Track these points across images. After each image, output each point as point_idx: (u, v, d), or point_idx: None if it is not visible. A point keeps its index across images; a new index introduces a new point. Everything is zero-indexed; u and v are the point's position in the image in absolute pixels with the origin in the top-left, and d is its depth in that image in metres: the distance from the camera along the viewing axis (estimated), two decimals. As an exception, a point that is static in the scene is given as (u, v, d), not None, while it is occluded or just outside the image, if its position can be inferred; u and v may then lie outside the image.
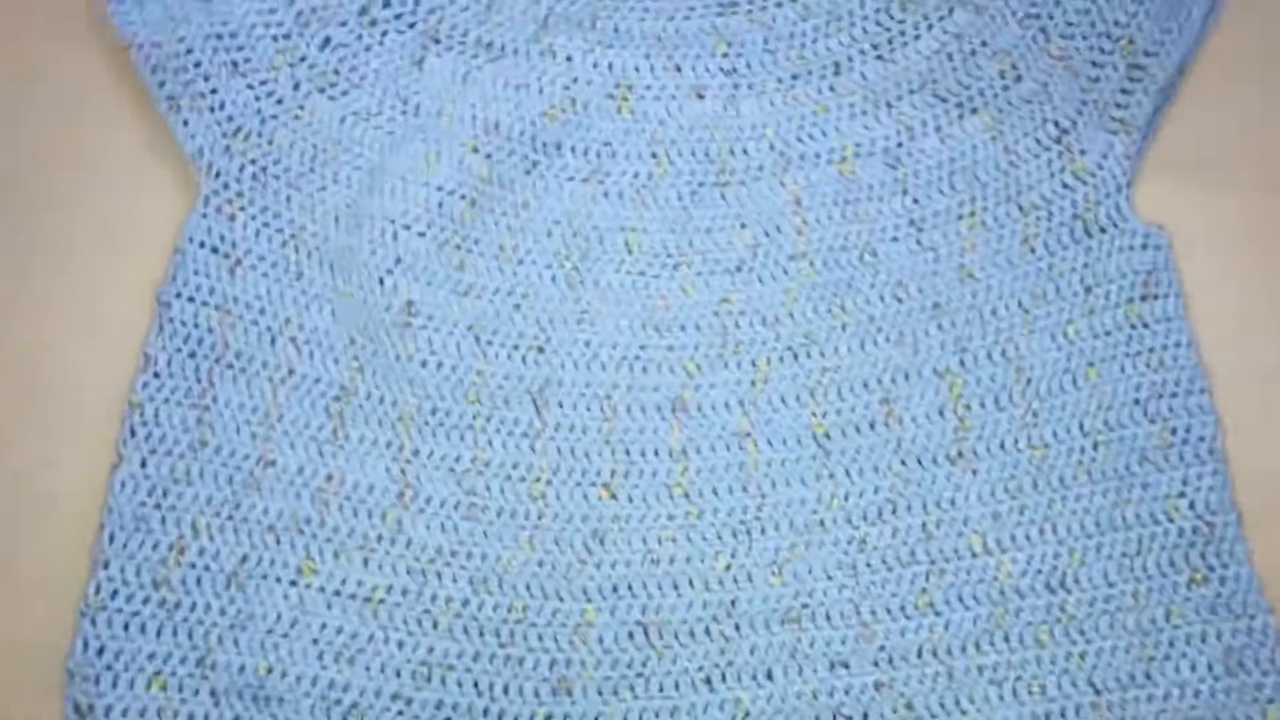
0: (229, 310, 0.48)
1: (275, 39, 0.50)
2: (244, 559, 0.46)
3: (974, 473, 0.47)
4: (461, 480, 0.47)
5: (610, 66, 0.50)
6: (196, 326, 0.47)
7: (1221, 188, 0.51)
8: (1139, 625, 0.46)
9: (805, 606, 0.46)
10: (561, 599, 0.46)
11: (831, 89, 0.50)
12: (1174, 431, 0.47)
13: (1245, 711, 0.45)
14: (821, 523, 0.47)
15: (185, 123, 0.49)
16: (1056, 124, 0.50)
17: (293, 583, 0.46)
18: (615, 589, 0.46)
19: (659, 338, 0.48)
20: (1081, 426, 0.47)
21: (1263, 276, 0.50)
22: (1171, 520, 0.46)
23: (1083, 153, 0.49)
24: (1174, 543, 0.46)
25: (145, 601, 0.45)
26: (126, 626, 0.45)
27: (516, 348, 0.48)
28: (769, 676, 0.46)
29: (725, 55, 0.51)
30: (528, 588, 0.46)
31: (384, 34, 0.50)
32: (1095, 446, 0.47)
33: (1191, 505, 0.46)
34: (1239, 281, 0.50)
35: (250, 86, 0.49)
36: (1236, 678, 0.45)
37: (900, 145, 0.50)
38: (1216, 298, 0.49)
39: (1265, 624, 0.45)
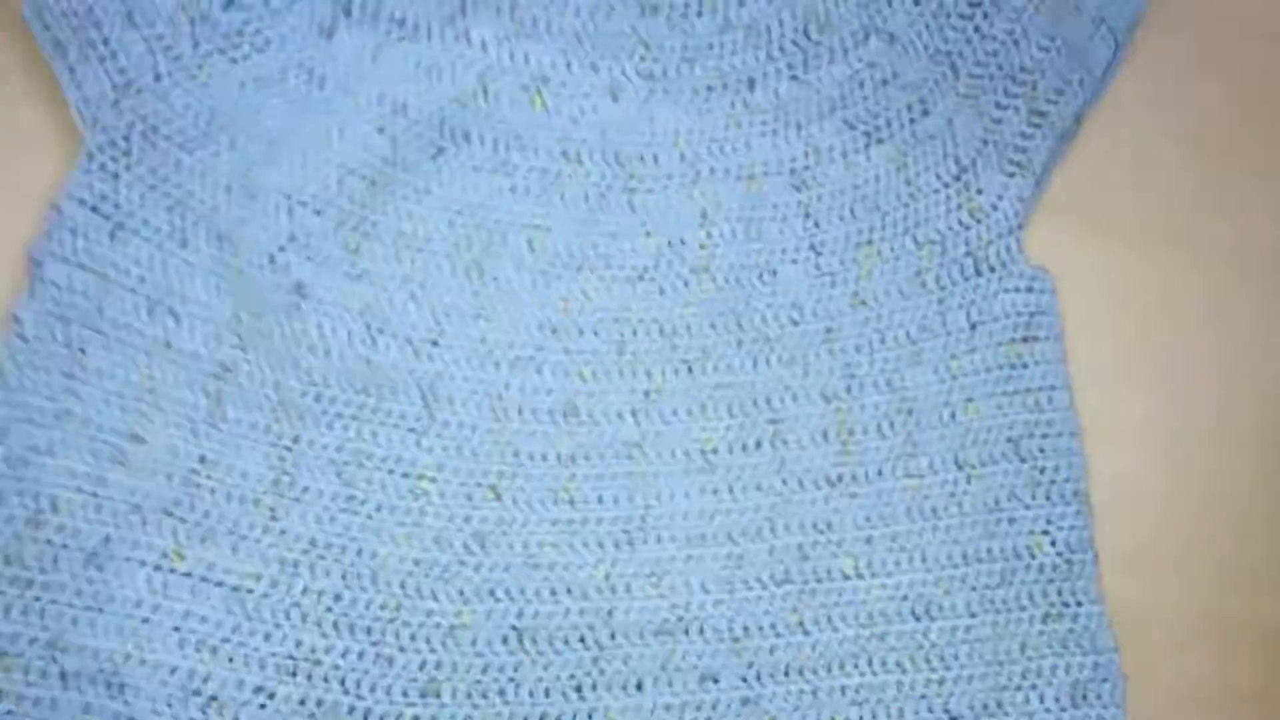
0: (106, 275, 0.45)
1: (176, -8, 0.47)
2: (106, 539, 0.44)
3: (852, 497, 0.48)
4: (341, 471, 0.46)
5: (526, 58, 0.49)
6: (70, 290, 0.45)
7: (1107, 236, 0.53)
8: (995, 655, 0.47)
9: (680, 619, 0.46)
10: (437, 599, 0.45)
11: (745, 104, 0.50)
12: (1042, 471, 0.49)
13: (1087, 742, 0.47)
14: (703, 537, 0.47)
15: (72, 71, 0.46)
16: (957, 160, 0.51)
17: (157, 567, 0.44)
18: (492, 592, 0.46)
19: (556, 340, 0.48)
20: (956, 460, 0.49)
21: (1139, 326, 0.52)
22: (1034, 556, 0.48)
23: (979, 192, 0.51)
24: (1034, 578, 0.48)
25: (-5, 579, 0.42)
26: (-26, 604, 0.42)
27: (409, 339, 0.47)
28: (639, 687, 0.46)
29: (643, 59, 0.50)
30: (402, 585, 0.45)
31: (293, 1, 0.48)
32: (968, 480, 0.49)
33: (1053, 543, 0.48)
34: (1116, 329, 0.52)
35: (146, 40, 0.47)
36: (1081, 710, 0.47)
37: (807, 168, 0.50)
38: (1094, 344, 0.51)
39: (1111, 660, 0.47)
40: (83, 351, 0.45)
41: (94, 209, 0.46)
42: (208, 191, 0.46)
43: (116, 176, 0.46)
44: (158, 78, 0.47)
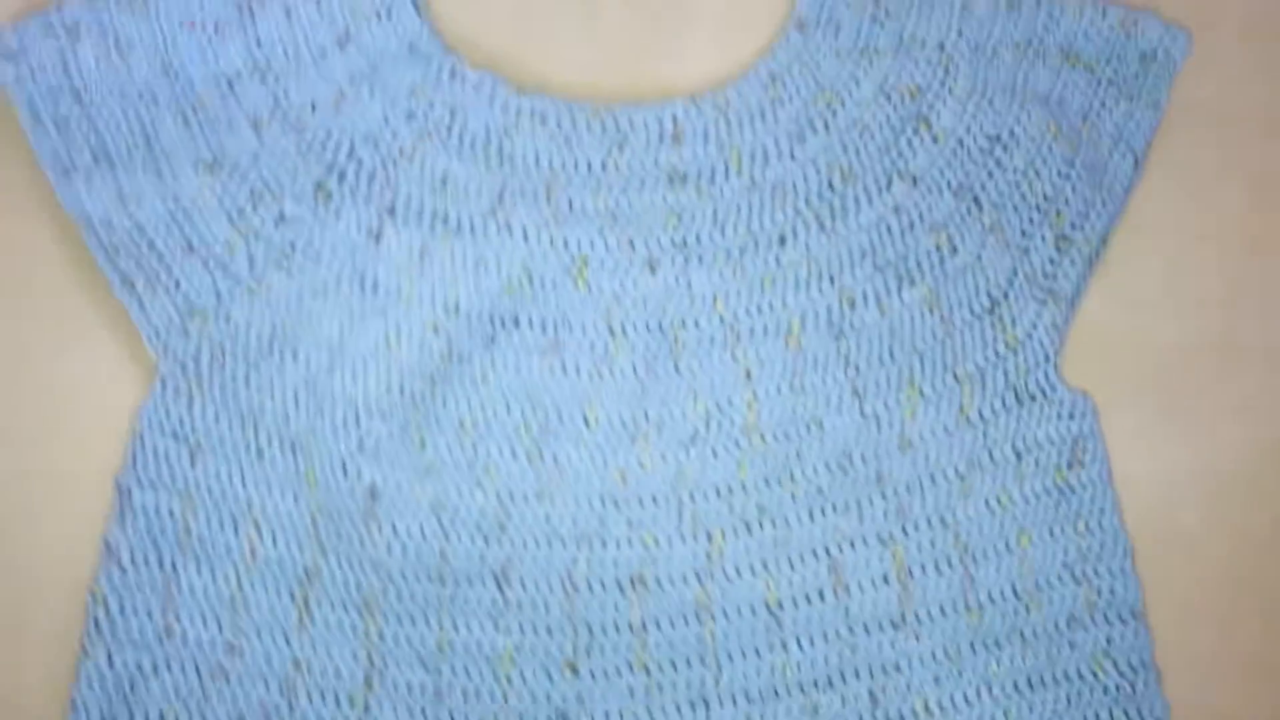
0: (190, 495, 0.48)
1: (229, 217, 0.50)
2: (212, 749, 0.46)
3: (917, 637, 0.50)
4: (427, 662, 0.48)
5: (566, 242, 0.51)
6: (158, 513, 0.48)
7: (1142, 350, 0.54)
8: (1067, 777, 0.49)
9: (761, 773, 0.48)
10: (527, 776, 0.47)
11: (777, 261, 0.52)
12: (1099, 593, 0.50)
13: None
14: (775, 692, 0.49)
15: (140, 303, 0.49)
16: (989, 294, 0.52)
17: (262, 771, 0.46)
18: (579, 763, 0.48)
19: (618, 512, 0.50)
20: (1014, 589, 0.50)
21: (1184, 441, 0.53)
22: (1096, 678, 0.50)
23: (1014, 322, 0.52)
24: (1099, 700, 0.49)
25: (115, 797, 0.45)
26: (96, 823, 0.45)
27: (479, 527, 0.49)
28: (726, 842, 0.48)
29: (676, 229, 0.52)
30: (494, 764, 0.48)
31: (339, 208, 0.51)
32: (1027, 609, 0.50)
33: (1115, 664, 0.50)
34: (1161, 442, 0.53)
35: (205, 265, 0.49)
36: (1153, 824, 0.48)
37: (843, 316, 0.52)
38: (1141, 460, 0.52)
39: (1183, 777, 0.49)
40: (175, 571, 0.47)
41: (173, 434, 0.48)
42: (277, 404, 0.49)
43: (190, 399, 0.48)
44: (220, 299, 0.49)
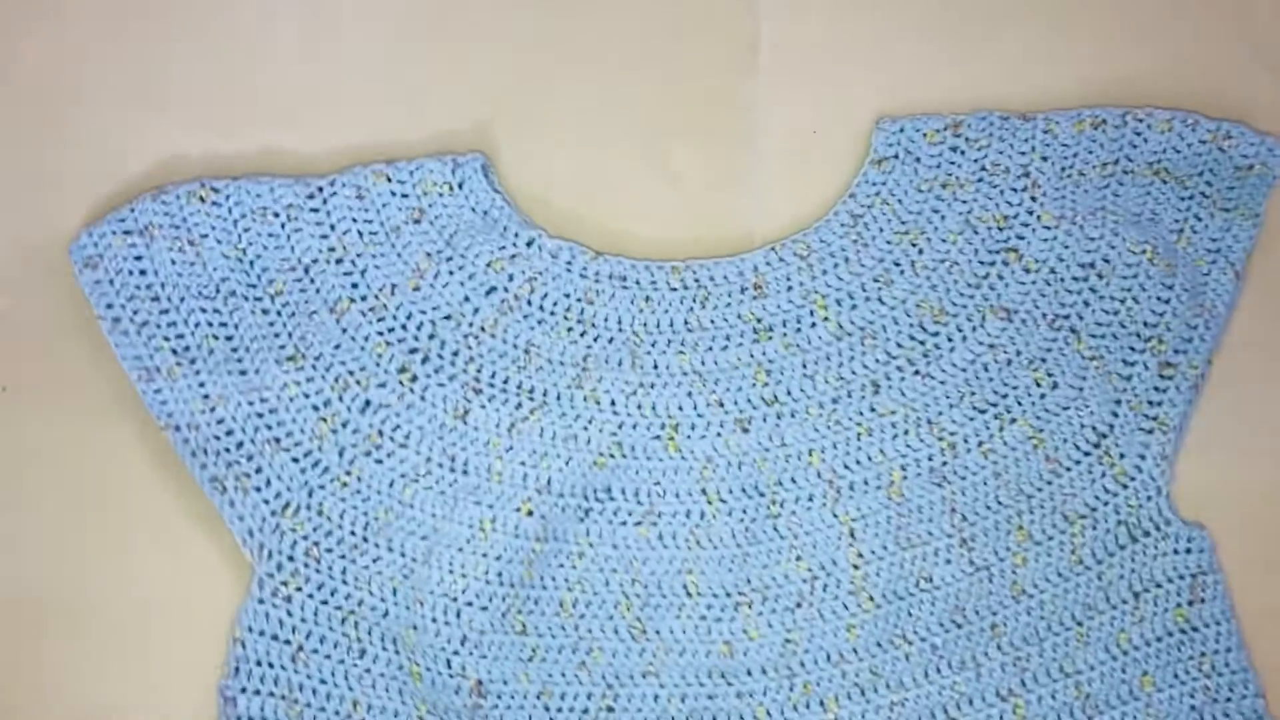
0: (295, 699, 0.47)
1: (315, 408, 0.49)
2: None
3: (1045, 794, 0.48)
4: None
5: (654, 407, 0.50)
6: (265, 718, 0.47)
7: (1254, 471, 0.52)
8: None
9: None
10: None
11: (872, 409, 0.51)
12: (1232, 737, 0.48)
13: None
14: None
15: (231, 504, 0.48)
16: (1094, 428, 0.51)
17: None
18: None
19: (726, 685, 0.49)
20: (1143, 738, 0.48)
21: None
22: (1232, 824, 0.48)
23: (1122, 456, 0.50)
24: None
25: None
26: None
27: (586, 710, 0.48)
28: None
29: (765, 384, 0.51)
30: None
31: (425, 390, 0.50)
32: (1157, 756, 0.48)
33: (1251, 809, 0.48)
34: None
35: (295, 460, 0.49)
36: None
37: (945, 463, 0.50)
38: (1261, 589, 0.50)
39: None
40: (286, 777, 0.47)
41: (273, 636, 0.48)
42: (376, 597, 0.48)
43: (289, 599, 0.48)
44: (311, 493, 0.49)
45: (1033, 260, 0.52)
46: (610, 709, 0.48)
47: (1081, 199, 0.53)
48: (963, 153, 0.53)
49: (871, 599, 0.50)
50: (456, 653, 0.48)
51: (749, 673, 0.49)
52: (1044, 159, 0.53)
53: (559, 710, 0.48)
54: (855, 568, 0.50)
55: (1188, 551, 0.50)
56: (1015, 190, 0.53)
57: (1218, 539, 0.50)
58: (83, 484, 0.50)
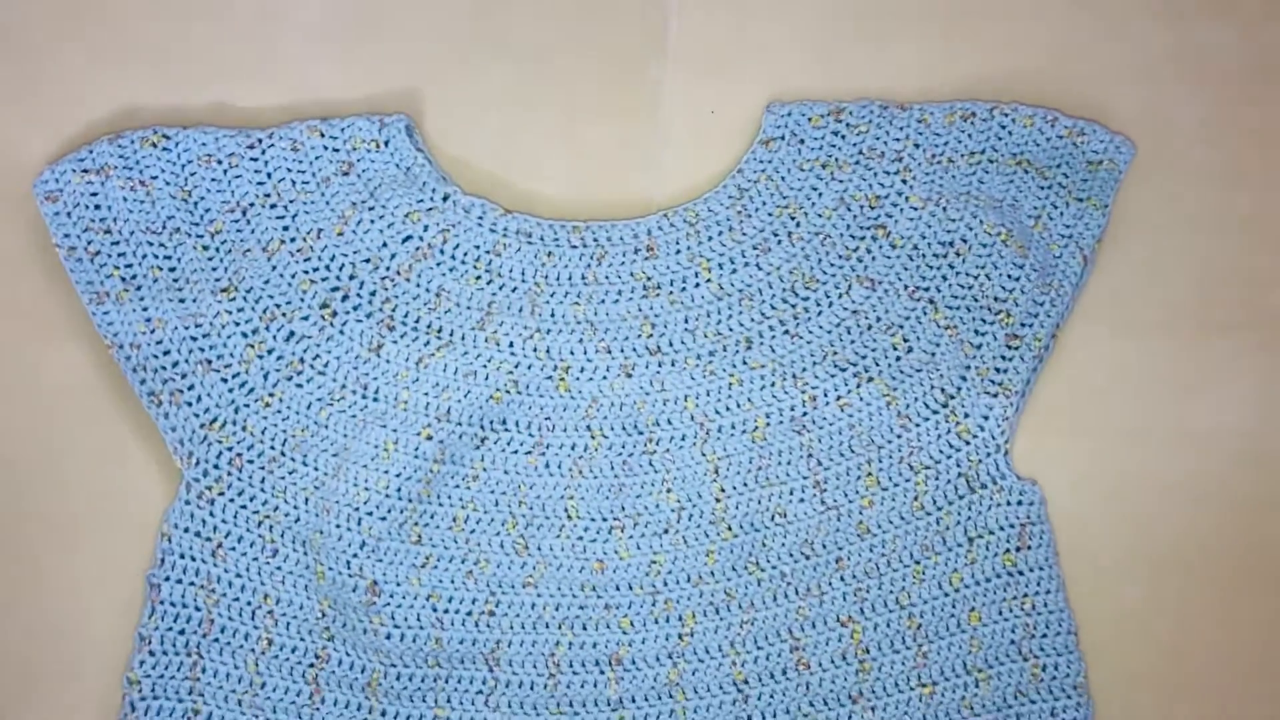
0: (213, 589, 0.53)
1: (245, 334, 0.55)
2: (236, 817, 0.52)
3: (872, 710, 0.54)
4: (426, 737, 0.53)
5: (549, 350, 0.56)
6: (184, 605, 0.53)
7: (1090, 436, 0.57)
8: (1012, 841, 0.53)
9: (729, 838, 0.53)
10: (516, 838, 0.52)
11: (745, 362, 0.56)
12: (1044, 669, 0.54)
13: None
14: (742, 762, 0.53)
15: (165, 415, 0.54)
16: (943, 390, 0.56)
17: (279, 836, 0.52)
18: (561, 827, 0.53)
19: (596, 598, 0.55)
20: (965, 665, 0.54)
21: (1128, 523, 0.57)
22: (1043, 748, 0.53)
23: (966, 415, 0.56)
24: (1045, 768, 0.53)
25: None
26: None
27: (470, 613, 0.54)
28: None
29: (650, 335, 0.57)
30: (485, 828, 0.53)
31: (344, 324, 0.56)
32: (977, 683, 0.54)
33: (1059, 735, 0.53)
34: (1109, 525, 0.57)
35: (224, 379, 0.55)
36: None
37: (805, 414, 0.56)
38: (1086, 538, 0.56)
39: (1120, 839, 0.53)
40: (200, 656, 0.53)
41: (196, 533, 0.54)
42: (289, 504, 0.54)
43: (212, 502, 0.54)
44: (237, 410, 0.55)
45: (899, 237, 0.58)
46: (492, 613, 0.54)
47: (948, 184, 0.58)
48: (843, 137, 0.59)
49: (730, 529, 0.55)
50: (355, 556, 0.54)
51: (617, 588, 0.55)
52: (916, 146, 0.59)
53: (445, 611, 0.54)
54: (718, 501, 0.56)
55: (1019, 503, 0.56)
56: (888, 173, 0.58)
57: (1048, 494, 0.56)
58: (36, 395, 0.56)
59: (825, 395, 0.57)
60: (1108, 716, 0.55)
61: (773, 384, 0.57)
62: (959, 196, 0.58)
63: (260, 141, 0.57)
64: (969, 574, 0.55)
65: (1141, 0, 0.60)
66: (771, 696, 0.54)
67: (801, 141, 0.59)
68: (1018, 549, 0.56)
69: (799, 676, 0.55)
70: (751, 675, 0.55)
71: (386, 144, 0.58)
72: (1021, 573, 0.55)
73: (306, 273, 0.56)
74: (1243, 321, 0.59)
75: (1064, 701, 0.54)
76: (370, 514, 0.54)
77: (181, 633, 0.53)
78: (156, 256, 0.56)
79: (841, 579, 0.56)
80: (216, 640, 0.53)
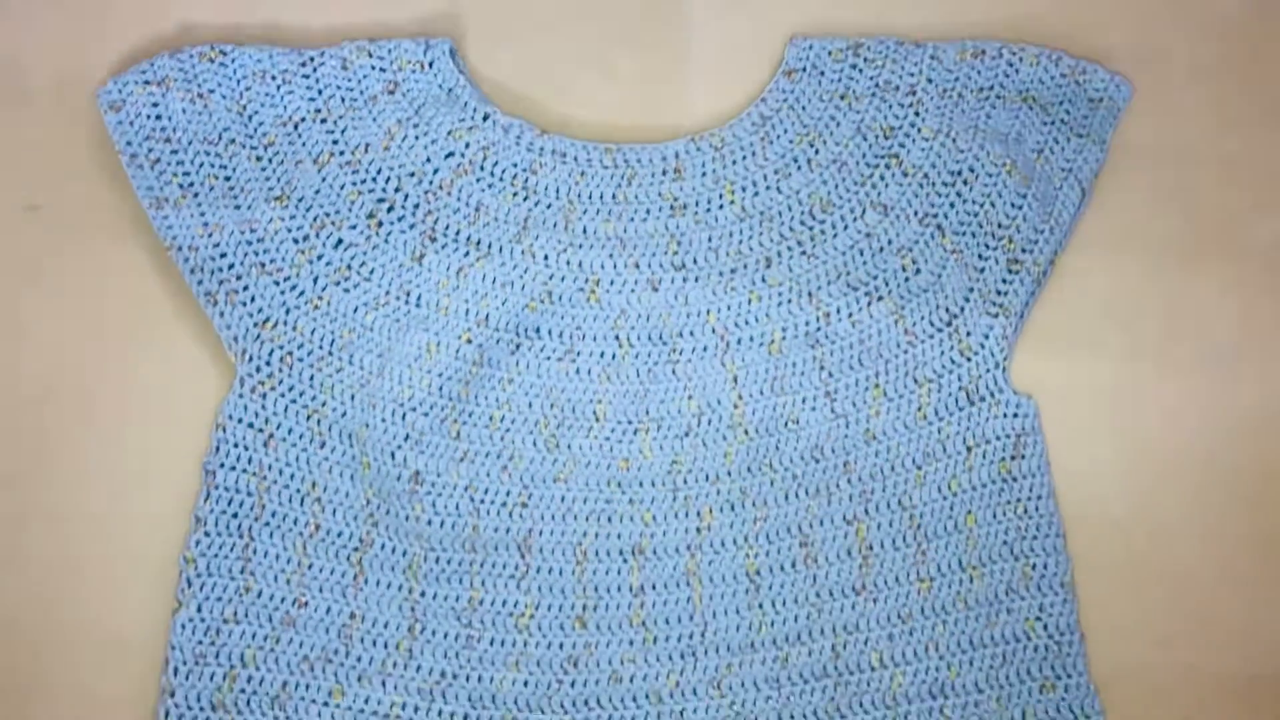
0: (264, 476, 0.57)
1: (296, 241, 0.59)
2: (284, 684, 0.56)
3: (874, 602, 0.58)
4: (460, 616, 0.57)
5: (580, 264, 0.60)
6: (237, 491, 0.57)
7: (1084, 356, 0.61)
8: (1001, 724, 0.57)
9: (738, 714, 0.57)
10: (544, 712, 0.57)
11: (764, 280, 0.60)
12: (1034, 567, 0.58)
13: (1079, 790, 0.56)
14: (752, 645, 0.58)
15: (221, 314, 0.58)
16: (948, 309, 0.60)
17: (325, 703, 0.56)
18: (586, 703, 0.57)
19: (621, 493, 0.59)
20: (960, 563, 0.59)
21: (1116, 441, 0.61)
22: (1030, 639, 0.58)
23: (968, 334, 0.60)
24: (1030, 658, 0.58)
25: (205, 722, 0.55)
26: (191, 743, 0.55)
27: (504, 504, 0.58)
28: (709, 771, 0.57)
29: (675, 253, 0.60)
30: (515, 702, 0.57)
31: (388, 234, 0.59)
32: (971, 580, 0.58)
33: (1045, 627, 0.58)
34: (1097, 438, 0.61)
35: (276, 283, 0.58)
36: (1074, 765, 0.57)
37: (819, 329, 0.60)
38: (1076, 451, 0.60)
39: (1098, 722, 0.57)
40: (252, 538, 0.57)
41: (249, 425, 0.57)
42: (336, 400, 0.58)
43: (264, 396, 0.58)
44: (288, 311, 0.58)
45: (911, 166, 0.61)
46: (525, 504, 0.59)
47: (958, 117, 0.62)
48: (861, 70, 0.62)
49: (746, 433, 0.59)
50: (399, 448, 0.58)
51: (641, 485, 0.59)
52: (929, 81, 0.62)
53: (482, 502, 0.58)
54: (735, 407, 0.60)
55: (1015, 416, 0.60)
56: (902, 106, 0.62)
57: (1041, 408, 0.60)
58: (99, 292, 0.60)
59: (838, 312, 0.61)
60: (1089, 611, 0.59)
61: (789, 301, 0.61)
62: (968, 129, 0.62)
63: (312, 60, 0.60)
64: (967, 479, 0.60)
65: (1144, -52, 0.64)
66: (781, 587, 0.59)
67: (822, 74, 0.62)
68: (1013, 457, 0.60)
69: (807, 570, 0.59)
70: (763, 567, 0.59)
71: (430, 65, 0.61)
72: (1015, 479, 0.60)
73: (354, 184, 0.60)
74: (1229, 253, 0.63)
75: (1051, 598, 0.58)
76: (413, 410, 0.58)
77: (235, 516, 0.57)
78: (213, 165, 0.59)
79: (848, 481, 0.60)
80: (267, 524, 0.57)
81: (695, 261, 0.61)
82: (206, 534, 0.57)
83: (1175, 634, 0.60)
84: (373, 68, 0.61)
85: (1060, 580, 0.59)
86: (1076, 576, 0.59)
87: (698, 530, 0.59)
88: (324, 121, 0.60)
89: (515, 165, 0.61)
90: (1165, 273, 0.63)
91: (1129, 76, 0.63)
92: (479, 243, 0.60)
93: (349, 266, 0.59)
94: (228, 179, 0.59)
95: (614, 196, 0.61)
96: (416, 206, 0.60)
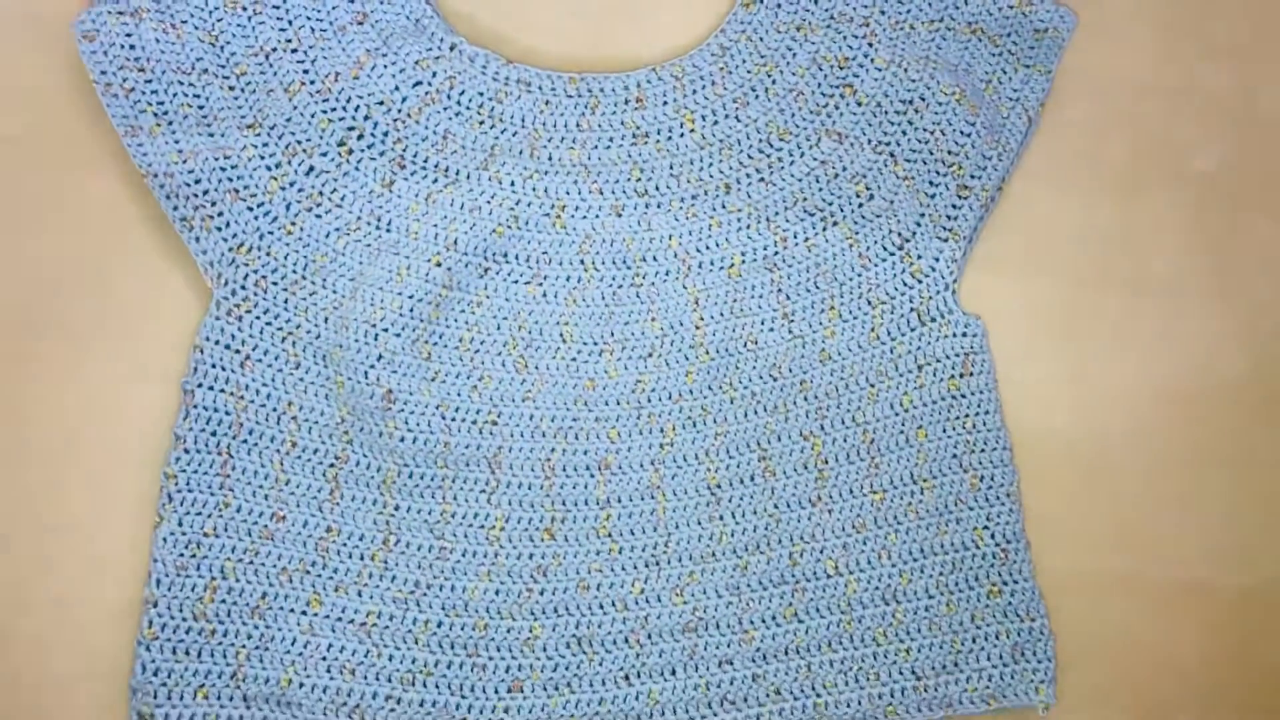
0: (241, 395, 0.59)
1: (269, 168, 0.60)
2: (264, 595, 0.58)
3: (829, 513, 0.61)
4: (433, 528, 0.59)
5: (546, 190, 0.62)
6: (215, 410, 0.59)
7: (1029, 279, 0.64)
8: (950, 627, 0.60)
9: (700, 619, 0.60)
10: (514, 619, 0.59)
11: (723, 206, 0.62)
12: (981, 479, 0.61)
13: (1025, 689, 0.59)
14: (713, 554, 0.60)
15: (196, 239, 0.60)
16: (900, 234, 0.62)
17: (303, 612, 0.58)
18: (555, 610, 0.59)
19: (588, 411, 0.61)
20: (911, 476, 0.61)
21: (1059, 356, 0.63)
22: (977, 547, 0.61)
23: (919, 257, 0.62)
24: (978, 564, 0.61)
25: (188, 631, 0.57)
26: (174, 651, 0.57)
27: (474, 422, 0.60)
28: (672, 673, 0.60)
29: (638, 179, 0.62)
30: (487, 610, 0.59)
31: (359, 161, 0.61)
32: (922, 491, 0.61)
33: (992, 536, 0.61)
34: (1041, 352, 0.63)
35: (249, 208, 0.60)
36: (1020, 664, 0.60)
37: (777, 253, 0.62)
38: (1022, 370, 0.63)
39: (1043, 625, 0.60)
40: (230, 455, 0.59)
41: (226, 346, 0.59)
42: (310, 322, 0.60)
43: (240, 319, 0.59)
44: (261, 236, 0.60)
45: (864, 95, 0.63)
46: (494, 422, 0.61)
47: (910, 48, 0.64)
48: (816, 2, 0.64)
49: (707, 353, 0.62)
50: (373, 368, 0.60)
51: (606, 403, 0.61)
52: (882, 13, 0.64)
53: (453, 420, 0.60)
54: (697, 329, 0.62)
55: (964, 335, 0.62)
56: (856, 37, 0.64)
57: (989, 328, 0.63)
58: (79, 220, 0.61)
59: (795, 237, 0.63)
60: (1033, 521, 0.62)
61: (748, 226, 0.63)
62: (919, 60, 0.64)
63: (282, -10, 0.62)
64: (918, 396, 0.62)
65: (1089, -116, 0.66)
66: (740, 500, 0.61)
67: (779, 5, 0.64)
68: (961, 375, 0.62)
69: (765, 482, 0.61)
70: (723, 480, 0.61)
71: (399, -4, 0.63)
72: (964, 396, 0.62)
73: (325, 112, 0.61)
74: (1170, 181, 0.65)
75: (997, 508, 0.61)
76: (385, 330, 0.60)
77: (213, 434, 0.59)
78: (187, 94, 0.61)
79: (805, 399, 0.62)
80: (245, 441, 0.59)
81: (657, 188, 0.63)
82: (186, 451, 0.59)
83: (1114, 541, 0.63)
84: (342, -2, 0.63)
85: (1006, 491, 0.61)
86: (1022, 488, 0.62)
87: (661, 446, 0.62)
88: (294, 51, 0.62)
89: (481, 94, 0.62)
90: (1108, 199, 0.66)
91: (1072, 7, 0.65)
92: (447, 170, 0.62)
93: (320, 193, 0.61)
94: (201, 107, 0.61)
95: (578, 125, 0.63)
96: (386, 134, 0.62)
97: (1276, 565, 0.62)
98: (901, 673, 0.60)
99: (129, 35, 0.61)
